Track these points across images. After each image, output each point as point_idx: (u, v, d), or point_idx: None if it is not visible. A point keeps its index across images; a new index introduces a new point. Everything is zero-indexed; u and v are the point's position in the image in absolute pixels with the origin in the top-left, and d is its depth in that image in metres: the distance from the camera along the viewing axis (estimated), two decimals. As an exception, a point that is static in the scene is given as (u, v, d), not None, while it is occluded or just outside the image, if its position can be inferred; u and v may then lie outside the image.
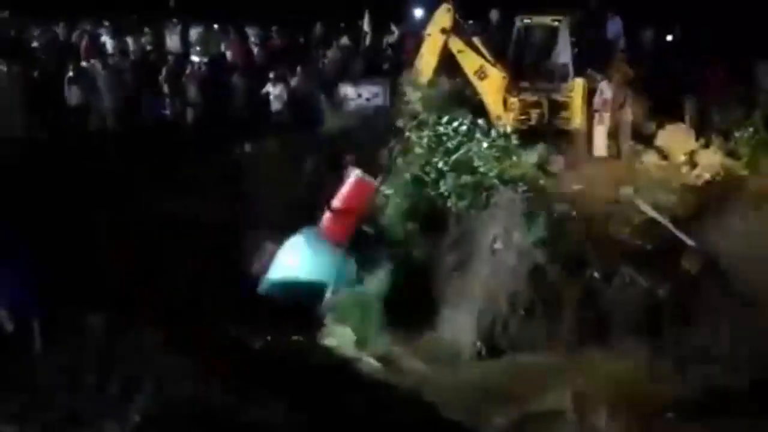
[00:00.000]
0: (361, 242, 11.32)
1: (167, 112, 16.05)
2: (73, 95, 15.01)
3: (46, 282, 8.23)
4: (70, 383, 7.24)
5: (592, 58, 14.58)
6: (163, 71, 16.15)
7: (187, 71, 16.17)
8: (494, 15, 15.74)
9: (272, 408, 6.96)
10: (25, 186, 11.73)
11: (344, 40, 18.92)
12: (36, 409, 6.88)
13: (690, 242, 11.08)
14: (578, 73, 14.03)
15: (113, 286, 9.56)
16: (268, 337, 9.65)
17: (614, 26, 16.34)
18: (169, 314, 9.25)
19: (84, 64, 16.03)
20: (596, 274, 10.36)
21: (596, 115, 13.65)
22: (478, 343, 10.09)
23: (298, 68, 16.53)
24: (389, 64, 17.56)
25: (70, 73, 15.12)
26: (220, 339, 9.09)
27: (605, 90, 13.61)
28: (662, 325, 9.89)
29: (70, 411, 6.73)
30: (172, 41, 19.14)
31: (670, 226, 11.26)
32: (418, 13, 19.63)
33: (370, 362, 9.69)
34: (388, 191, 11.93)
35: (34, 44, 18.44)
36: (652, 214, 11.50)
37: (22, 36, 19.03)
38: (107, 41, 18.80)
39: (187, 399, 6.91)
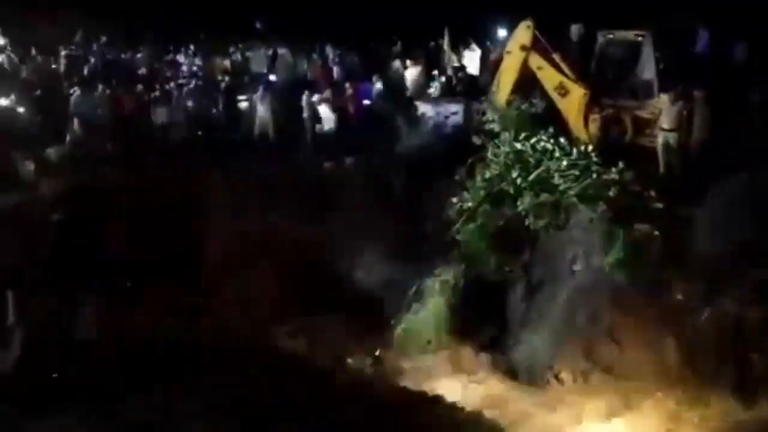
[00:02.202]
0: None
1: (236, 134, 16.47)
2: (158, 115, 15.61)
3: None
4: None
5: (679, 75, 14.05)
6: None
7: (259, 92, 16.54)
8: (575, 31, 15.39)
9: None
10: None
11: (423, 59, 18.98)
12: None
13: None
14: (664, 89, 13.53)
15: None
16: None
17: (702, 41, 15.77)
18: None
19: (168, 85, 16.67)
20: (680, 297, 9.90)
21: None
22: (556, 366, 9.84)
23: (346, 86, 16.72)
24: (469, 82, 17.46)
25: (156, 94, 15.75)
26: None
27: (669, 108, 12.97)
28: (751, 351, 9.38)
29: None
30: (257, 62, 19.64)
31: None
32: (499, 31, 19.46)
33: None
34: (466, 207, 11.85)
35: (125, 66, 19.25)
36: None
37: (116, 58, 19.88)
38: (193, 63, 19.47)
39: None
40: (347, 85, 17.00)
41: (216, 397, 8.19)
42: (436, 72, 17.91)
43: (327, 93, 16.69)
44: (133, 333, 9.63)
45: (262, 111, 16.23)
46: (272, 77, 17.93)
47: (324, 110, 16.20)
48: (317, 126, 16.03)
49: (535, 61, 13.72)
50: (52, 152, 15.08)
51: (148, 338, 9.32)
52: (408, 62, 18.52)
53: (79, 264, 10.98)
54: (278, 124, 16.20)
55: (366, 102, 16.77)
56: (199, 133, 16.03)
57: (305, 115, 16.16)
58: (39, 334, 9.31)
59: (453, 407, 8.66)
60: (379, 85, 17.10)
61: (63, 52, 19.06)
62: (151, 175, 13.71)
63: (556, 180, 11.48)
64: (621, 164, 11.28)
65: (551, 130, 12.22)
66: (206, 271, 10.85)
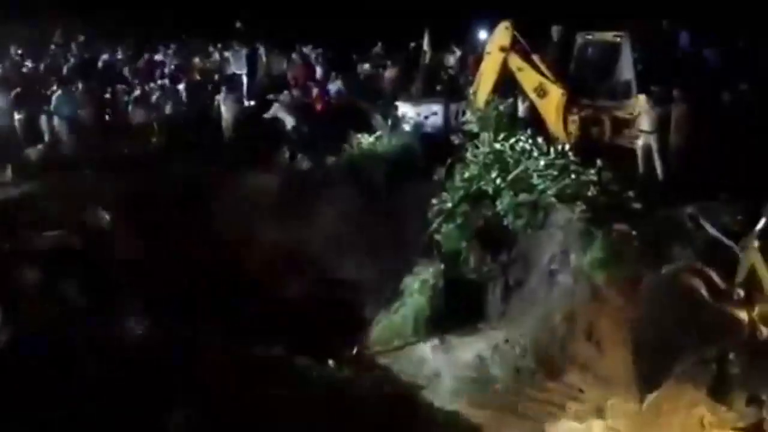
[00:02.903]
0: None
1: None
2: (136, 115, 15.53)
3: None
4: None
5: (658, 75, 14.10)
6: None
7: (222, 93, 16.51)
8: (555, 32, 15.45)
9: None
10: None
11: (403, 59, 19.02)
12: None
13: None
14: (644, 90, 13.58)
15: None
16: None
17: (682, 42, 15.88)
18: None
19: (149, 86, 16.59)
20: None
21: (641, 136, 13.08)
22: (534, 365, 9.87)
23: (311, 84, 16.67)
24: (449, 82, 17.52)
25: (136, 94, 15.67)
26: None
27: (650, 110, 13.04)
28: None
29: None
30: (236, 62, 19.56)
31: (736, 247, 10.76)
32: (479, 32, 19.51)
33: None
34: (445, 207, 11.88)
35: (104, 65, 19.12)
36: (716, 234, 11.03)
37: (95, 58, 19.73)
38: (170, 63, 19.42)
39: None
40: (311, 83, 17.05)
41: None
42: (416, 72, 17.94)
43: (297, 92, 16.70)
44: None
45: (225, 112, 16.27)
46: (243, 78, 17.93)
47: (298, 110, 16.17)
48: (291, 126, 15.97)
49: (515, 62, 13.76)
50: (31, 153, 14.96)
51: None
52: (388, 62, 18.55)
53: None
54: (240, 125, 16.16)
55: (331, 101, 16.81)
56: (176, 134, 15.91)
57: (280, 114, 16.13)
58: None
59: (429, 406, 8.67)
60: (340, 84, 17.14)
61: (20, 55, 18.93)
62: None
63: (535, 180, 11.54)
64: (599, 164, 11.36)
65: (529, 130, 12.30)
66: (182, 272, 10.80)
